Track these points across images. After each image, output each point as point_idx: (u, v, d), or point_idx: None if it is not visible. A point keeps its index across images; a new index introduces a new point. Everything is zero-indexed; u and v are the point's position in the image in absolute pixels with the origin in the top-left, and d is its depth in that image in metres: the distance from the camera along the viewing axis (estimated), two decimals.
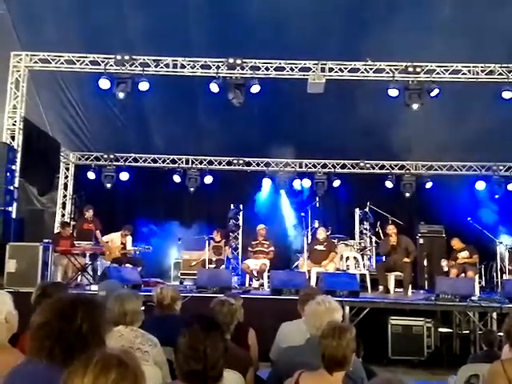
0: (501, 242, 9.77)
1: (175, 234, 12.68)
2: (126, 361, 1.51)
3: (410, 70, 9.25)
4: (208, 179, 13.01)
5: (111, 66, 9.39)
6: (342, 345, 2.79)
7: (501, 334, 4.11)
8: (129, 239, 10.76)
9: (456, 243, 10.25)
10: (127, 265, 9.93)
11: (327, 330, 2.89)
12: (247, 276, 10.29)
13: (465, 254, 10.15)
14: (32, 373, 1.85)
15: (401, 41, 8.89)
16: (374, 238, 12.07)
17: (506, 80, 9.19)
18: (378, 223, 12.00)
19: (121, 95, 9.28)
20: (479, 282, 10.15)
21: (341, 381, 2.80)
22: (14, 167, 8.99)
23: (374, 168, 13.13)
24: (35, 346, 1.87)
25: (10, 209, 8.89)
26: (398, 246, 9.69)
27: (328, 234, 10.70)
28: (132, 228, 10.88)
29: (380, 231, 11.95)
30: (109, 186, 12.78)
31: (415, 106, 9.27)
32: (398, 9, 8.55)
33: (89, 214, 10.98)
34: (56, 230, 12.12)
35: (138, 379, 1.50)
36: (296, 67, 9.44)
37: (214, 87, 9.34)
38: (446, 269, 10.43)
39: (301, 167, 13.25)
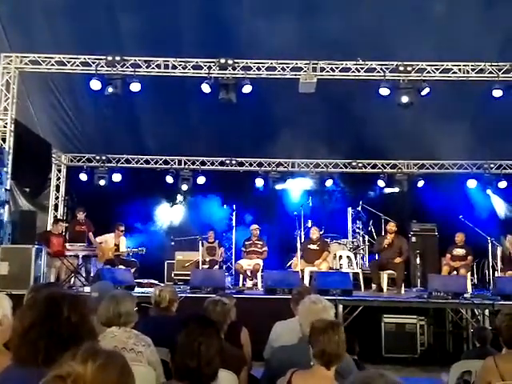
0: (492, 240, 9.81)
1: (168, 234, 12.70)
2: (108, 350, 1.49)
3: (401, 69, 9.26)
4: (201, 180, 12.99)
5: (102, 66, 9.34)
6: (341, 339, 2.85)
7: None
8: (123, 240, 10.74)
9: (461, 237, 10.25)
10: (120, 266, 9.91)
11: (325, 326, 2.90)
12: (241, 276, 10.30)
13: (461, 251, 10.17)
14: (26, 378, 1.72)
15: (392, 40, 8.94)
16: (366, 237, 12.12)
17: (497, 78, 9.23)
18: (371, 222, 12.06)
19: (110, 90, 9.23)
20: (471, 280, 10.20)
21: (332, 376, 2.82)
22: (5, 169, 8.95)
23: (366, 167, 13.15)
24: (29, 351, 1.78)
25: (1, 211, 8.85)
26: (392, 246, 9.76)
27: (321, 233, 10.73)
28: (123, 225, 10.85)
29: (373, 230, 12.01)
30: (101, 187, 12.72)
31: (406, 105, 9.31)
32: (389, 8, 8.59)
33: (80, 215, 10.94)
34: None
35: (126, 365, 1.45)
36: (287, 67, 9.44)
37: (206, 87, 9.33)
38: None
39: (293, 167, 13.25)
